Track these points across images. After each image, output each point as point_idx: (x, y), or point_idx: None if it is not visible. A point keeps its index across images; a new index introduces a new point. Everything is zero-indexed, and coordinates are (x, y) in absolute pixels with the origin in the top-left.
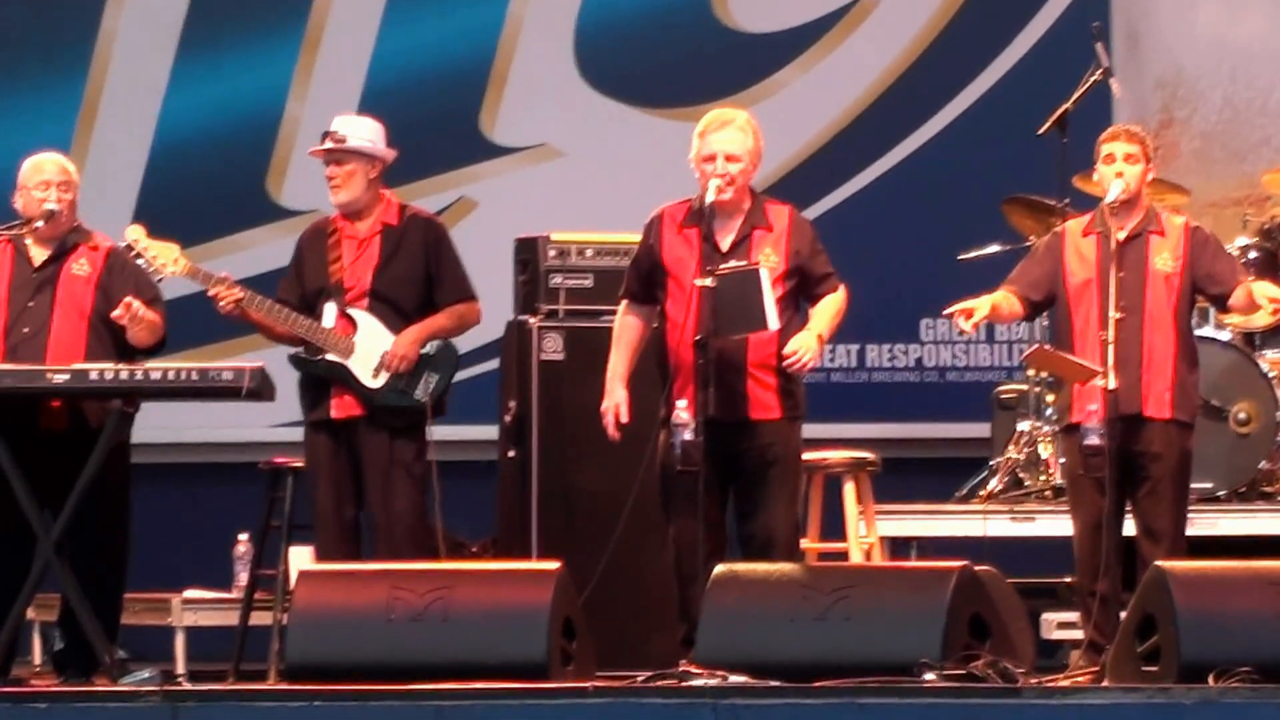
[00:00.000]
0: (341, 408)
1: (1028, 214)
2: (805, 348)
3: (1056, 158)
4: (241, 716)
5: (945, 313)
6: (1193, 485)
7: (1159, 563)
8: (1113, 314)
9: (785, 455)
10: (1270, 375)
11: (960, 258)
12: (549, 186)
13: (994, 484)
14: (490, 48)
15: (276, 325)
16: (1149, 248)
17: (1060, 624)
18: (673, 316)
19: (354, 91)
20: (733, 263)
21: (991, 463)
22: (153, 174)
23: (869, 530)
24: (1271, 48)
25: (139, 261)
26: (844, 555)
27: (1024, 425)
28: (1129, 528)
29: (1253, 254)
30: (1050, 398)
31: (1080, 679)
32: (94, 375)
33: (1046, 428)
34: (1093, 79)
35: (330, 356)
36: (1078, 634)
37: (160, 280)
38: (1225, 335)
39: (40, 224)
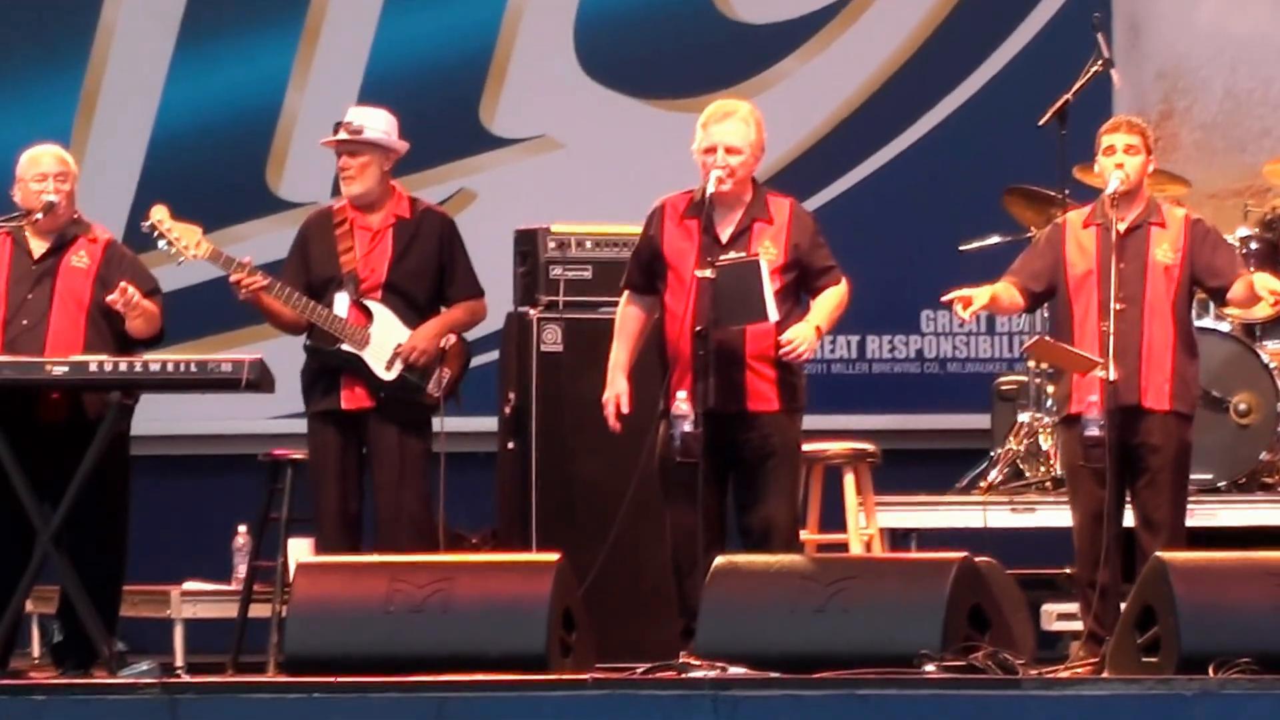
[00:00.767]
0: (352, 399)
1: (1028, 205)
2: (802, 338)
3: (1057, 149)
4: (240, 709)
5: (944, 299)
6: (1193, 476)
7: (1159, 554)
8: (1113, 305)
9: (784, 446)
10: (1271, 366)
11: (961, 249)
12: (549, 178)
13: (994, 475)
14: (490, 39)
15: (289, 312)
16: (1149, 239)
17: (1060, 615)
18: (672, 308)
19: (353, 83)
20: (732, 254)
21: (992, 454)
22: (151, 165)
23: (869, 521)
24: (1272, 38)
25: (161, 243)
26: (844, 547)
27: (1024, 416)
28: (1128, 519)
29: (1254, 245)
30: (1050, 389)
31: (1080, 670)
32: (93, 367)
33: (1047, 419)
34: (1093, 70)
35: (345, 346)
36: (1078, 625)
37: (181, 263)
38: (1226, 326)
39: (39, 216)
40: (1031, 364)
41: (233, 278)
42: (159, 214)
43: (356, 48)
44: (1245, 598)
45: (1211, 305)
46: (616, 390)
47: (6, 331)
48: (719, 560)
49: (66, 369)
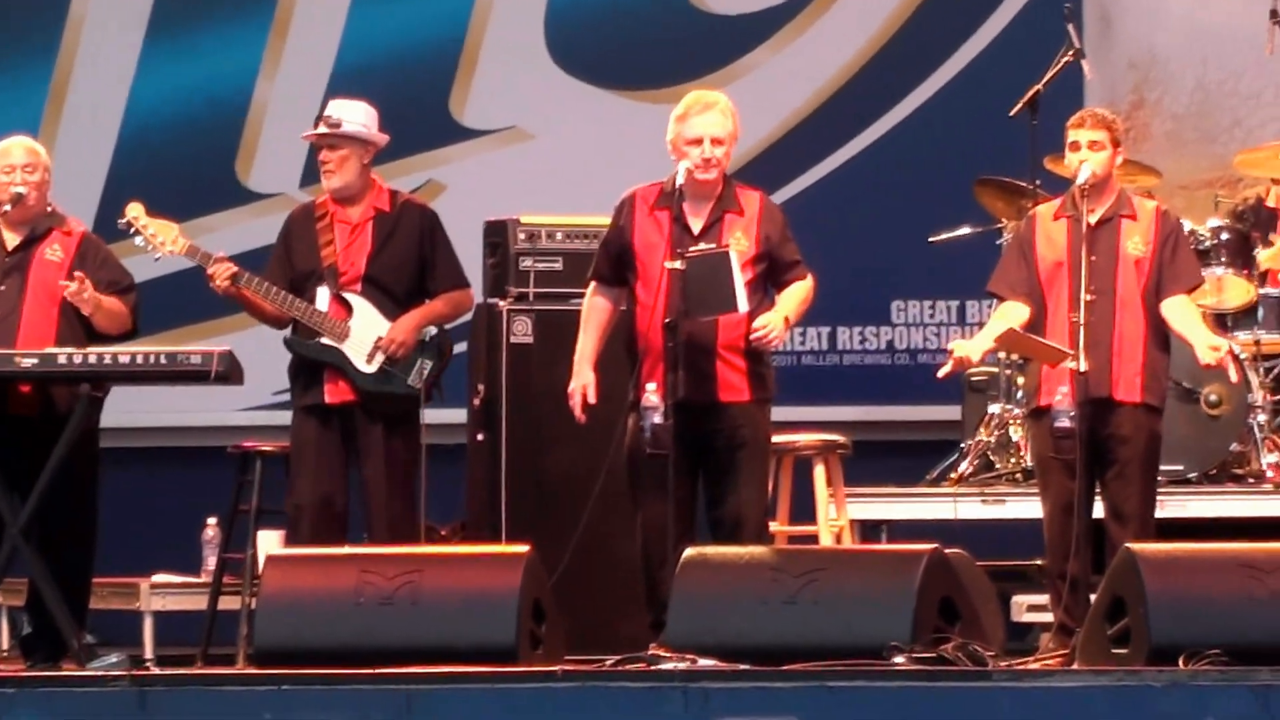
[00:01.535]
0: (335, 393)
1: (999, 196)
2: (773, 325)
3: (1028, 139)
4: (209, 701)
5: (941, 375)
6: (1164, 467)
7: (1129, 545)
8: (1084, 297)
9: (754, 438)
10: (1242, 357)
11: (931, 240)
12: (519, 169)
13: (965, 466)
14: (460, 30)
15: (269, 306)
16: (1120, 232)
17: (1030, 606)
18: (642, 299)
19: (323, 75)
20: (703, 245)
21: (962, 445)
22: (121, 157)
23: (839, 513)
24: (1243, 29)
25: (137, 239)
26: (814, 538)
27: (995, 408)
28: (1098, 511)
29: (1224, 235)
30: (1021, 381)
31: (1050, 662)
32: (62, 359)
33: (1017, 410)
34: (1064, 60)
35: (325, 340)
36: (1048, 616)
37: (159, 259)
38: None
39: (7, 208)
40: (1002, 355)
41: (209, 270)
42: (134, 211)
43: (326, 39)
44: (1215, 589)
45: None
46: (583, 381)
47: None
48: (688, 552)
49: (36, 361)
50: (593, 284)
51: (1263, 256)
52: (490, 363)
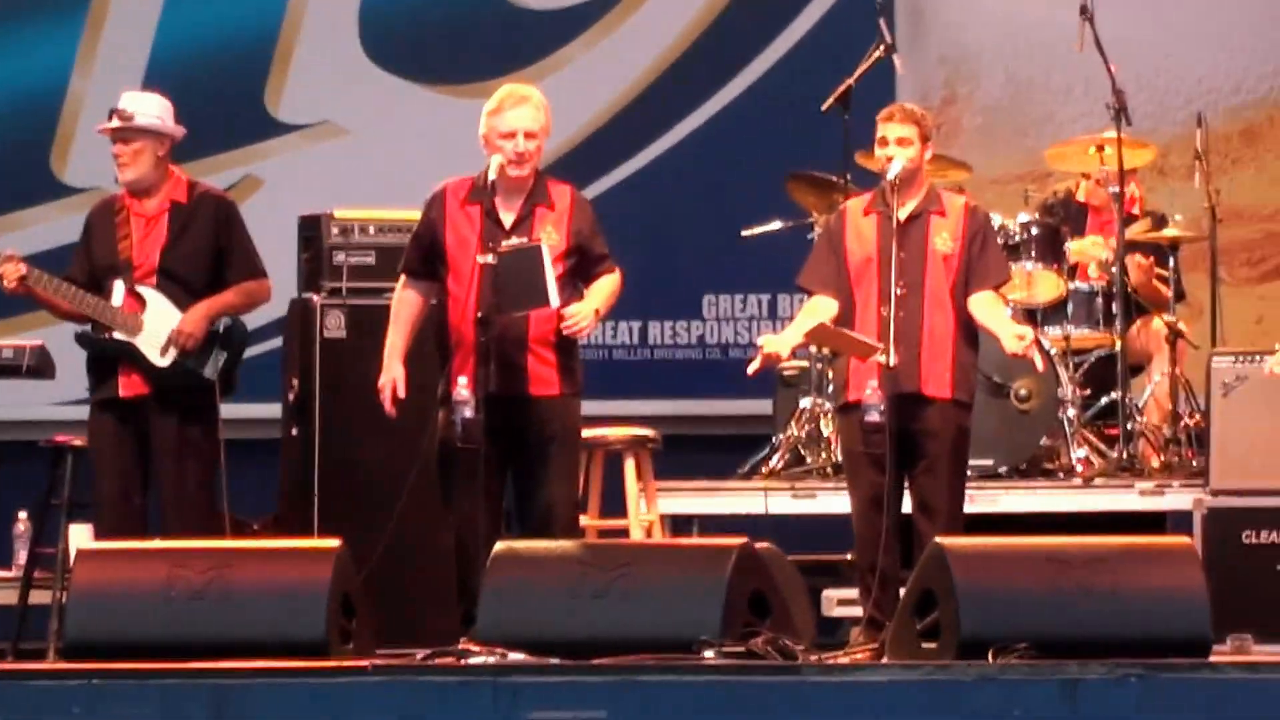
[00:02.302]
0: (129, 386)
1: (811, 190)
2: (582, 314)
3: (840, 134)
4: (19, 695)
5: (751, 372)
6: (973, 462)
7: (938, 539)
8: (894, 291)
9: (565, 432)
10: (1052, 352)
11: (743, 234)
12: (334, 164)
13: (775, 461)
14: (275, 25)
15: (62, 303)
16: (929, 228)
17: (841, 601)
18: (454, 293)
19: (138, 68)
20: (515, 240)
21: (773, 440)
22: None
23: (649, 507)
24: (1054, 24)
25: None
26: (624, 532)
27: (806, 402)
28: (908, 505)
29: (1035, 230)
30: (831, 374)
31: (860, 656)
32: None
33: (828, 405)
34: (875, 56)
35: (118, 335)
36: (858, 611)
37: None
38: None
39: None
40: (813, 349)
41: None
42: None
43: (141, 33)
44: (1024, 583)
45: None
46: (392, 375)
47: None
48: (499, 546)
49: None
50: (404, 278)
51: (1073, 250)
52: (304, 357)
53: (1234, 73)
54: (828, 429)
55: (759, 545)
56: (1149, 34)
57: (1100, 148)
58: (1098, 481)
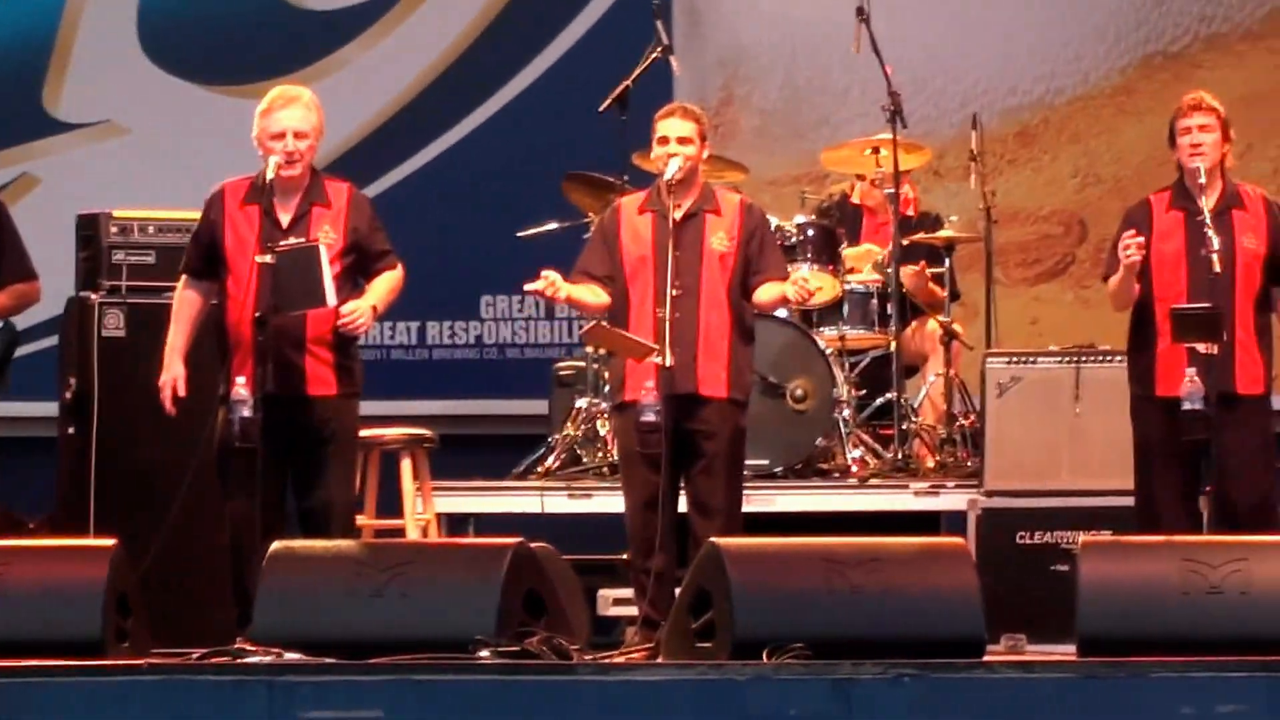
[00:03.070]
0: None
1: (587, 191)
2: (360, 311)
3: (617, 135)
4: None
5: (529, 288)
6: (750, 462)
7: (713, 539)
8: (670, 292)
9: (342, 431)
10: (828, 352)
11: (520, 235)
12: (113, 163)
13: (551, 461)
14: (53, 23)
15: None
16: (705, 227)
17: (616, 600)
18: (233, 293)
19: None
20: (292, 240)
21: (550, 440)
22: None
23: (425, 507)
24: (831, 26)
25: None
26: (401, 532)
27: (582, 402)
28: (683, 505)
29: (810, 232)
30: (607, 375)
31: (635, 655)
32: None
33: (604, 405)
34: (653, 56)
35: None
36: (633, 610)
37: None
38: (783, 313)
39: None
40: (590, 349)
41: None
42: None
43: None
44: (799, 584)
45: None
46: (172, 374)
47: None
48: (275, 545)
49: None
50: (184, 277)
51: (849, 257)
52: (81, 356)
53: (1009, 75)
54: (604, 429)
55: (534, 545)
56: (926, 36)
57: (875, 150)
58: (873, 481)
